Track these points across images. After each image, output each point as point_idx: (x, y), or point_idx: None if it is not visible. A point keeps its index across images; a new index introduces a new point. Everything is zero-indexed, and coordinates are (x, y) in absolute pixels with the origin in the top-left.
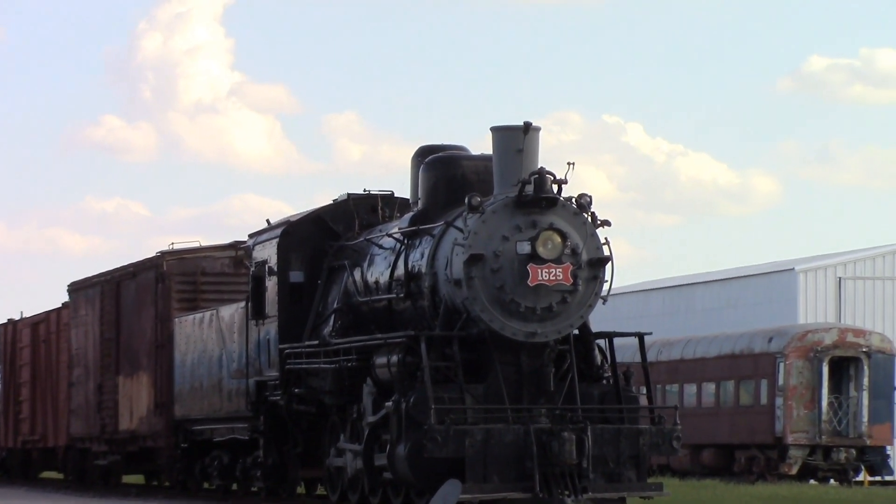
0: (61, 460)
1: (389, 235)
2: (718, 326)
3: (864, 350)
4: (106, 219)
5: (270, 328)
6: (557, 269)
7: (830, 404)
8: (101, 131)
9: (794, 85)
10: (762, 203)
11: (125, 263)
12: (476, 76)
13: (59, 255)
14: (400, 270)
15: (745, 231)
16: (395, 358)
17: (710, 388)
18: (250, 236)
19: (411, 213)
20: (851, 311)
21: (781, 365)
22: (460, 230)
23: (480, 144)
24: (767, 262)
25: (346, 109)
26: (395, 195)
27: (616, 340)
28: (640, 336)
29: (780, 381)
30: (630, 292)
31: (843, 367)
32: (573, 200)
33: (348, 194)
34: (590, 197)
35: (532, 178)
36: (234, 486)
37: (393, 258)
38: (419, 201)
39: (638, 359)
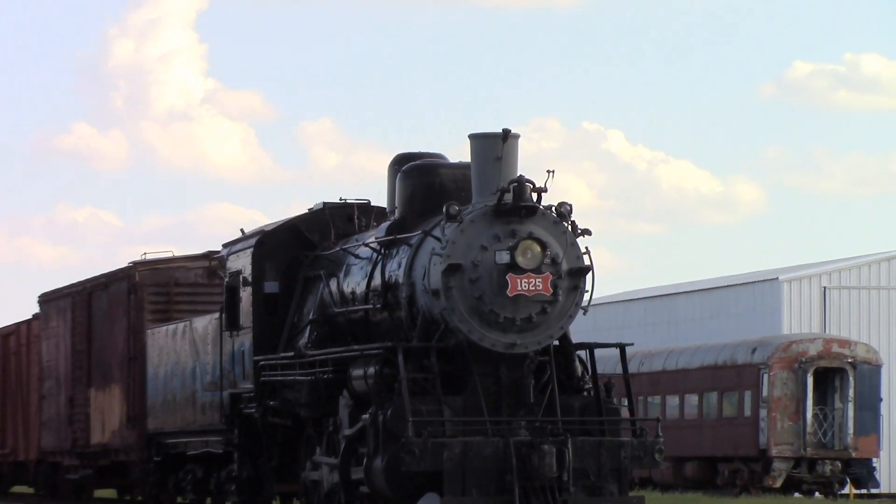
0: (32, 474)
1: (366, 245)
2: (701, 337)
3: (849, 361)
4: (77, 228)
5: (245, 340)
6: (537, 279)
7: (815, 416)
8: (71, 139)
9: (777, 91)
10: (745, 211)
11: (97, 274)
12: (454, 82)
13: (30, 266)
14: (377, 281)
15: (728, 240)
16: (371, 370)
17: (692, 399)
18: (224, 246)
19: (388, 223)
20: (836, 322)
21: (765, 376)
22: (438, 239)
23: (458, 152)
24: (751, 271)
25: (322, 116)
26: (372, 204)
27: (597, 351)
28: (622, 347)
29: (765, 393)
30: (611, 302)
31: (829, 378)
32: (553, 209)
33: (324, 203)
34: (570, 205)
35: (511, 187)
36: (208, 501)
37: (369, 268)
38: (396, 210)
39: (619, 370)
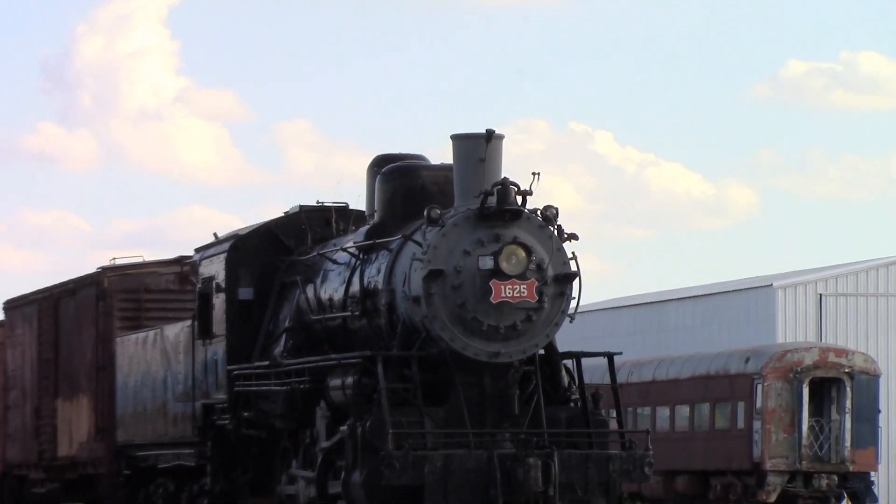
0: None
1: (344, 250)
2: (692, 346)
3: (846, 371)
4: (43, 232)
5: (218, 348)
6: (522, 286)
7: (811, 428)
8: (37, 140)
9: (771, 91)
10: (738, 215)
11: (64, 280)
12: (436, 81)
13: None
14: (355, 287)
15: (720, 245)
16: (350, 379)
17: (683, 411)
18: (196, 251)
19: (367, 227)
20: (833, 330)
21: (759, 387)
22: (419, 244)
23: (440, 153)
24: (744, 277)
25: (298, 117)
26: (350, 207)
27: (584, 361)
28: (610, 356)
29: (758, 404)
30: (599, 310)
31: (825, 388)
32: (538, 213)
33: (300, 206)
34: (556, 209)
35: (495, 190)
36: None
37: (348, 274)
38: (375, 214)
39: (607, 380)
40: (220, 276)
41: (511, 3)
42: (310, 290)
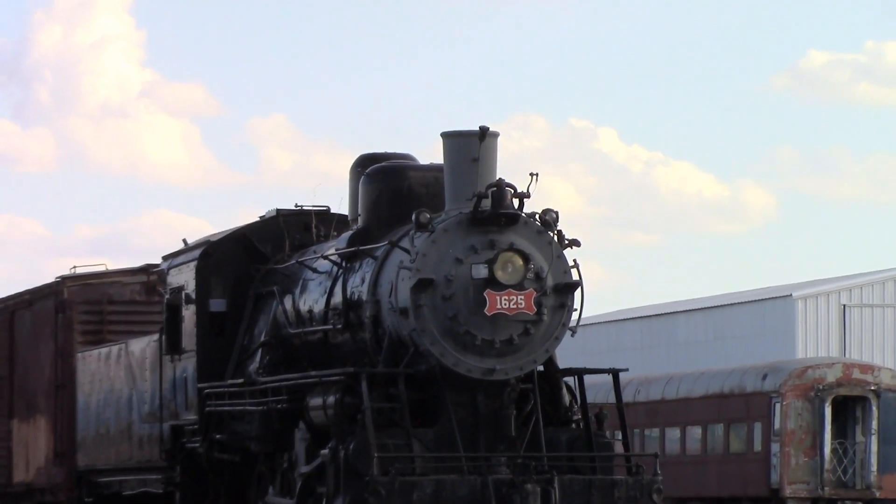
0: None
1: (325, 257)
2: (705, 362)
3: (872, 388)
4: None
5: (188, 365)
6: (519, 297)
7: (834, 451)
8: None
9: (790, 83)
10: (754, 219)
11: (20, 290)
12: (425, 74)
13: None
14: (337, 298)
15: (734, 252)
16: (331, 398)
17: (695, 432)
18: (164, 259)
19: (350, 232)
20: (857, 344)
21: (777, 406)
22: (406, 251)
23: (430, 153)
24: (761, 287)
25: (274, 112)
26: (332, 211)
27: (587, 378)
28: (615, 373)
29: (776, 425)
30: (603, 323)
31: (849, 408)
32: (537, 217)
33: (277, 210)
34: (556, 213)
35: (489, 192)
36: None
37: (329, 284)
38: (359, 218)
39: (612, 399)
40: (190, 286)
41: None
42: (288, 302)
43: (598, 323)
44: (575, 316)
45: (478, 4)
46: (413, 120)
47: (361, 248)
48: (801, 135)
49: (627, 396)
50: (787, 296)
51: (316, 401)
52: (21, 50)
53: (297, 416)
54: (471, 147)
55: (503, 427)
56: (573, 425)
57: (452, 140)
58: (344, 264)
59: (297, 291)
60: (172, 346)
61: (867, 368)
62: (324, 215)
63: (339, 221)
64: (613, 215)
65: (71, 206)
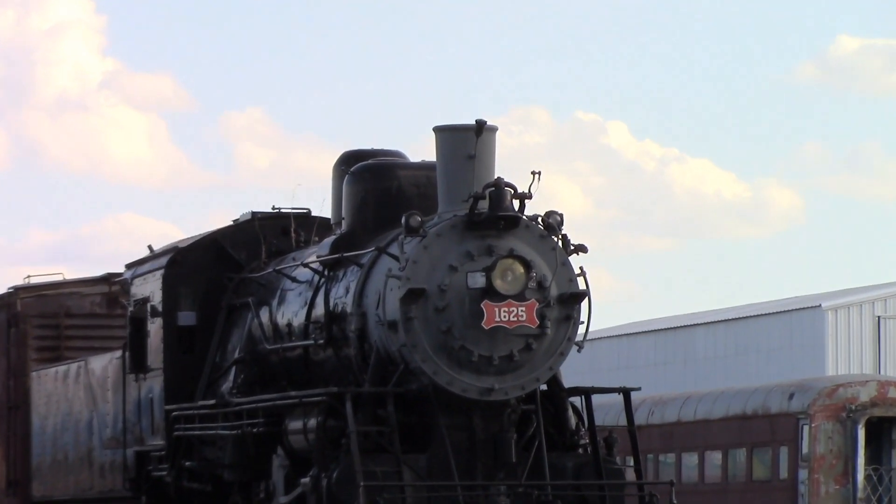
0: None
1: (305, 265)
2: (725, 380)
3: None
4: None
5: (154, 384)
6: (520, 308)
7: (868, 478)
8: None
9: (817, 72)
10: (779, 222)
11: None
12: (415, 63)
13: None
14: (319, 310)
15: (757, 258)
16: (312, 421)
17: (715, 458)
18: (128, 267)
19: (333, 237)
20: (893, 359)
21: (805, 428)
22: (396, 258)
23: (421, 149)
24: (787, 297)
25: (250, 105)
26: (313, 214)
27: (595, 398)
28: (626, 392)
29: (804, 449)
30: (613, 336)
31: (884, 430)
32: (539, 220)
33: (253, 213)
34: (560, 215)
35: (487, 192)
36: None
37: (310, 294)
38: (343, 221)
39: (623, 421)
40: (157, 298)
41: None
42: (264, 314)
43: (608, 337)
44: (582, 329)
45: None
46: (403, 113)
47: (346, 254)
48: (830, 129)
49: (640, 418)
50: (815, 306)
51: (295, 424)
52: None
53: (274, 440)
54: (466, 143)
55: (503, 452)
56: (580, 450)
57: (446, 135)
58: (326, 273)
59: (275, 303)
60: (137, 363)
61: None
62: (304, 219)
63: (321, 225)
64: (624, 218)
65: (25, 209)
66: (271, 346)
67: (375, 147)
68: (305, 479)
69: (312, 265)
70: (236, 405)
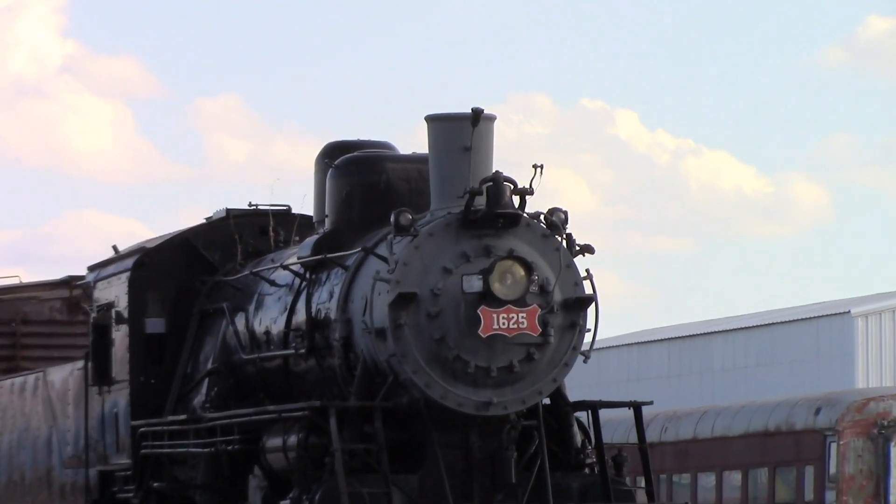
0: None
1: (285, 267)
2: (745, 393)
3: None
4: None
5: (119, 398)
6: (520, 314)
7: None
8: None
9: (845, 56)
10: (804, 221)
11: None
12: (406, 45)
13: None
14: (300, 316)
15: (781, 260)
16: (293, 438)
17: (734, 478)
18: (91, 269)
19: (315, 237)
20: None
21: (833, 446)
22: (384, 259)
23: (412, 140)
24: (813, 302)
25: (224, 92)
26: (294, 211)
27: (603, 413)
28: (637, 406)
29: (832, 469)
30: (623, 346)
31: None
32: (542, 218)
33: (227, 210)
34: (565, 213)
35: (484, 188)
36: None
37: (290, 299)
38: (326, 219)
39: (633, 438)
40: (122, 303)
41: None
42: (240, 321)
43: (617, 346)
44: (588, 338)
45: None
46: (391, 101)
47: (329, 255)
48: (860, 118)
49: (652, 435)
50: (844, 312)
51: (274, 441)
52: None
53: (251, 459)
54: (461, 133)
55: (502, 472)
56: (586, 470)
57: (439, 125)
58: (308, 276)
59: (252, 309)
60: (100, 375)
61: None
62: (284, 216)
63: (303, 224)
64: (634, 216)
65: None
66: (248, 356)
67: (362, 138)
68: (286, 502)
69: (293, 267)
70: (209, 420)
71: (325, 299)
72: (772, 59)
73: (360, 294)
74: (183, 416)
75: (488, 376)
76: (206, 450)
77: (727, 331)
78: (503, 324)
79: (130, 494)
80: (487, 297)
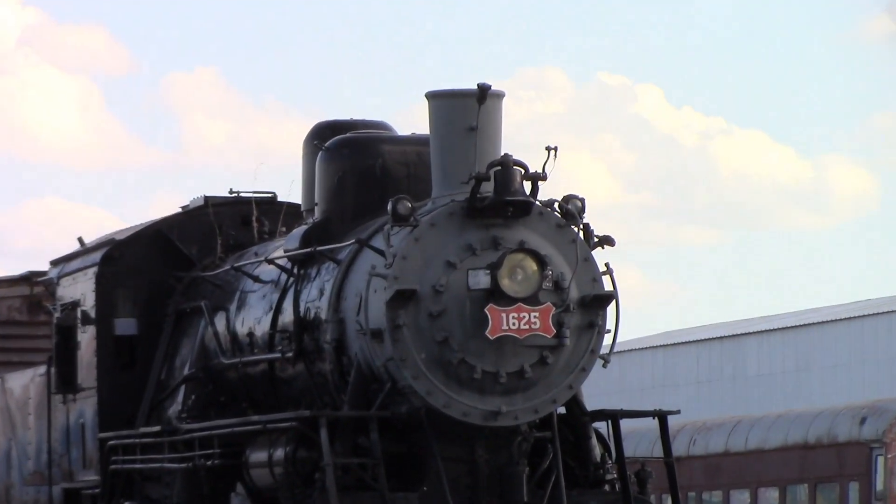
0: None
1: (270, 262)
2: (783, 401)
3: None
4: None
5: (85, 407)
6: (532, 314)
7: None
8: None
9: (892, 28)
10: (848, 209)
11: None
12: (404, 14)
13: None
14: (287, 316)
15: (821, 253)
16: (279, 452)
17: (771, 495)
18: (54, 264)
19: (304, 227)
20: None
21: (880, 459)
22: (381, 253)
23: (411, 120)
24: (858, 300)
25: (200, 64)
26: (280, 199)
27: (625, 424)
28: (662, 416)
29: (879, 485)
30: (647, 349)
31: None
32: (556, 206)
33: (206, 198)
34: (582, 200)
35: (492, 173)
36: None
37: (276, 297)
38: (316, 208)
39: (658, 451)
40: (89, 302)
41: None
42: (220, 322)
43: (640, 349)
44: (608, 339)
45: None
46: (388, 76)
47: (319, 248)
48: None
49: (679, 448)
50: (891, 311)
51: (259, 455)
52: None
53: (233, 475)
54: (466, 112)
55: (511, 490)
56: (606, 487)
57: (441, 102)
58: (296, 271)
59: (233, 308)
60: (65, 381)
61: None
62: (268, 205)
63: (289, 213)
64: (659, 204)
65: None
66: (229, 361)
67: (355, 117)
68: None
69: (279, 261)
70: (186, 432)
71: (315, 297)
72: (812, 27)
73: (353, 291)
74: (157, 428)
75: (497, 383)
76: (182, 465)
77: (762, 332)
78: (513, 324)
79: None
80: (496, 294)
